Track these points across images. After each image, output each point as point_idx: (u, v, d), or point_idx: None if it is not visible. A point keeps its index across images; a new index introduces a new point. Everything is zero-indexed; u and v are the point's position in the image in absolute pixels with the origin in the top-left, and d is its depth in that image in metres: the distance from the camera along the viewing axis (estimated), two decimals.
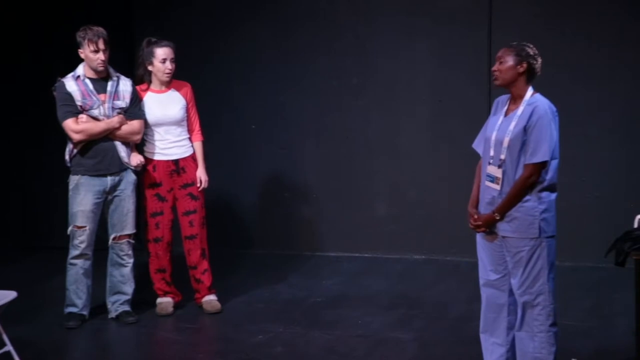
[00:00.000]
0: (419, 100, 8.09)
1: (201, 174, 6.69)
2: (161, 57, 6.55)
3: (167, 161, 6.65)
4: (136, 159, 6.49)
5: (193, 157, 6.72)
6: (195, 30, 8.37)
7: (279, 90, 8.35)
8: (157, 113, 6.60)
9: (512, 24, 7.66)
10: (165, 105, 6.63)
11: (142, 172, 6.63)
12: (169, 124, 6.64)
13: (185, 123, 6.70)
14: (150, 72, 6.62)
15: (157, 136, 6.65)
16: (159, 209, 6.67)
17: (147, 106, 6.60)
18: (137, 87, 6.62)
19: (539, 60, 4.99)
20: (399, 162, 8.18)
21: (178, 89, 6.69)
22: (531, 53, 4.97)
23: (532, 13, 7.70)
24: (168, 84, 6.65)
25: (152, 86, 6.65)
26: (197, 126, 6.76)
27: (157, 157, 6.65)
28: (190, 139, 6.74)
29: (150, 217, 6.69)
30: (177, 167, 6.66)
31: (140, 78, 6.65)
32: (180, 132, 6.70)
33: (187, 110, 6.70)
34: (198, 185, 6.69)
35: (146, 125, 6.58)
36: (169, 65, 6.56)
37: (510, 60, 4.97)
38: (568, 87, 7.51)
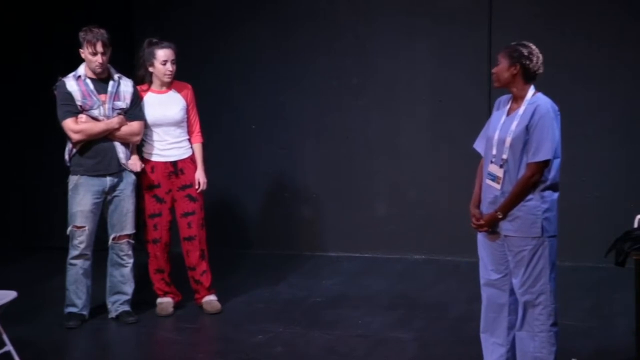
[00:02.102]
0: (419, 100, 8.09)
1: (200, 176, 6.67)
2: (162, 59, 6.53)
3: (166, 163, 6.63)
4: (136, 165, 6.48)
5: (192, 158, 6.70)
6: (195, 30, 8.36)
7: (279, 90, 8.35)
8: (156, 113, 6.59)
9: (512, 24, 7.65)
10: (165, 106, 6.62)
11: (141, 173, 6.62)
12: (168, 125, 6.62)
13: (184, 124, 6.69)
14: (151, 73, 6.60)
15: (155, 137, 6.63)
16: (157, 210, 6.65)
17: (147, 106, 6.58)
18: (138, 87, 6.61)
19: (535, 59, 4.94)
20: (399, 162, 8.18)
21: (179, 90, 6.68)
22: (525, 53, 4.94)
23: (532, 13, 7.70)
24: (169, 85, 6.65)
25: (153, 86, 6.64)
26: (197, 127, 6.74)
27: (155, 159, 6.63)
28: (189, 140, 6.73)
29: (149, 218, 6.67)
30: (176, 168, 6.65)
31: (141, 78, 6.63)
32: (180, 134, 6.68)
33: (187, 111, 6.69)
34: (197, 187, 6.68)
35: (145, 125, 6.58)
36: (169, 67, 6.55)
37: (503, 62, 4.97)
38: (568, 87, 7.50)
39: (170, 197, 6.67)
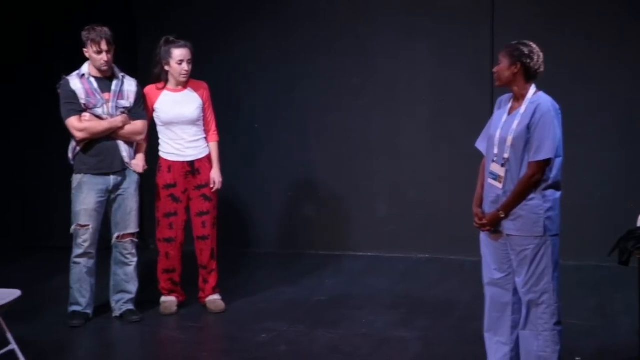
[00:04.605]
0: (419, 100, 8.10)
1: (215, 175, 6.65)
2: (178, 59, 6.51)
3: (183, 162, 6.61)
4: (139, 166, 6.48)
5: (208, 157, 6.67)
6: (195, 30, 8.32)
7: (279, 90, 8.36)
8: (171, 112, 6.56)
9: (512, 24, 7.65)
10: (181, 104, 6.58)
11: (157, 172, 6.60)
12: (184, 123, 6.59)
13: (201, 123, 6.65)
14: (167, 71, 6.57)
15: (172, 136, 6.60)
16: (173, 210, 6.63)
17: (163, 105, 6.56)
18: (154, 85, 6.60)
19: (536, 58, 4.95)
20: (399, 162, 8.19)
21: (195, 89, 6.65)
22: (525, 52, 4.95)
23: (532, 13, 7.72)
24: (185, 84, 6.62)
25: (169, 85, 6.61)
26: (213, 126, 6.71)
27: (173, 158, 6.60)
28: (206, 139, 6.71)
29: (164, 217, 6.64)
30: (193, 168, 6.62)
31: (157, 76, 6.59)
32: (196, 132, 6.65)
33: (204, 110, 6.66)
34: (212, 186, 6.67)
35: (154, 124, 6.56)
36: (185, 66, 6.52)
37: (504, 62, 4.98)
38: (568, 87, 7.51)
39: (186, 196, 6.65)
